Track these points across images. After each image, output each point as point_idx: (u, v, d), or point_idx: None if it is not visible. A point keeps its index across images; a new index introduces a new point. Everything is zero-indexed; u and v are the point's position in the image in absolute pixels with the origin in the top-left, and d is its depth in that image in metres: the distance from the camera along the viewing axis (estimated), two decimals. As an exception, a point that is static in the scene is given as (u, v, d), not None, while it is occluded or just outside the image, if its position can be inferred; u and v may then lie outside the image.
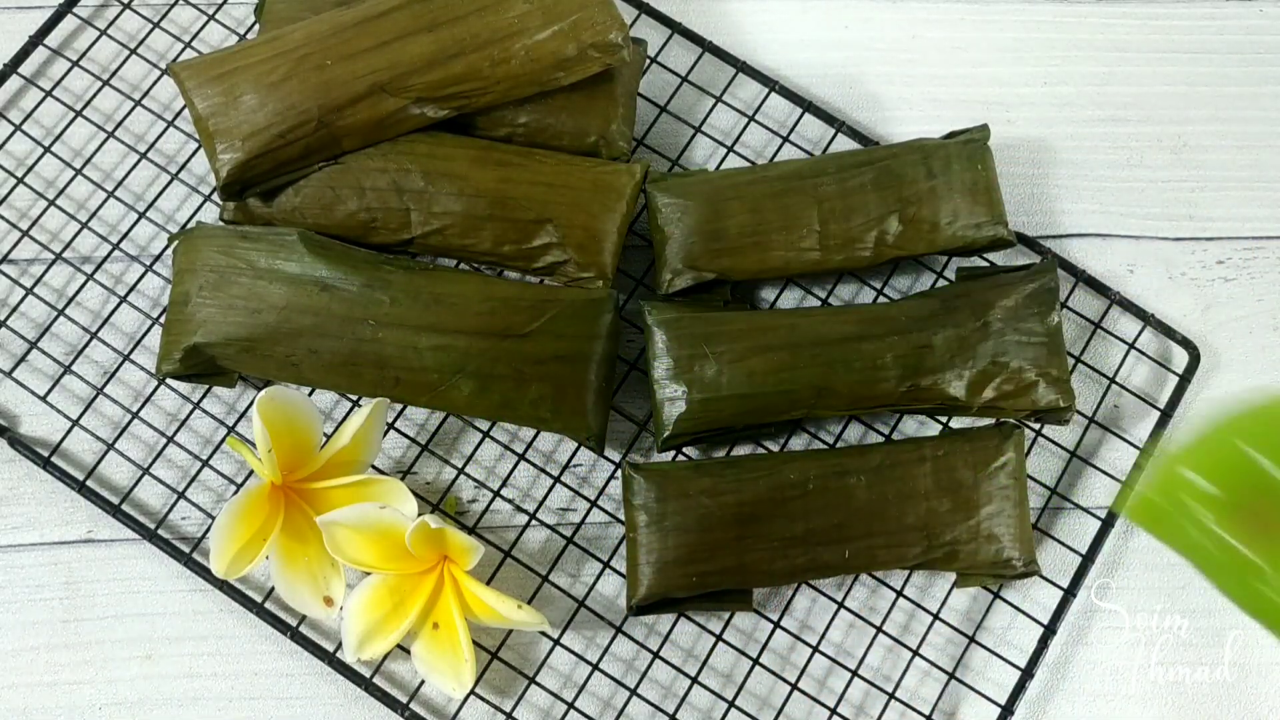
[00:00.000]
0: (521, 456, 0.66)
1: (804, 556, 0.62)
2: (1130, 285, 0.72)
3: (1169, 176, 0.75)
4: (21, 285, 0.68)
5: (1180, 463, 0.48)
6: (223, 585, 0.63)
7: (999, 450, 0.63)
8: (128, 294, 0.68)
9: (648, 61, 0.73)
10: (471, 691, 0.61)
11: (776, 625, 0.64)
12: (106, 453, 0.65)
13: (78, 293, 0.68)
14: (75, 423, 0.66)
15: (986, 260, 0.69)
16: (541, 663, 0.63)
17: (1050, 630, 0.64)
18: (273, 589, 0.62)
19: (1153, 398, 0.69)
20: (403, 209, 0.65)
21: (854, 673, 0.63)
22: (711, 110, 0.73)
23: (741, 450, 0.67)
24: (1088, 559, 0.65)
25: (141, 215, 0.70)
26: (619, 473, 0.66)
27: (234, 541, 0.59)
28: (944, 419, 0.67)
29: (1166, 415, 0.68)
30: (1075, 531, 0.67)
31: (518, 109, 0.67)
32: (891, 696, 0.63)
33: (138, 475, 0.65)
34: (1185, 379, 0.69)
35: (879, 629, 0.64)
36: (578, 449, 0.67)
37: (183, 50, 0.73)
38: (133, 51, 0.73)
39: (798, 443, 0.67)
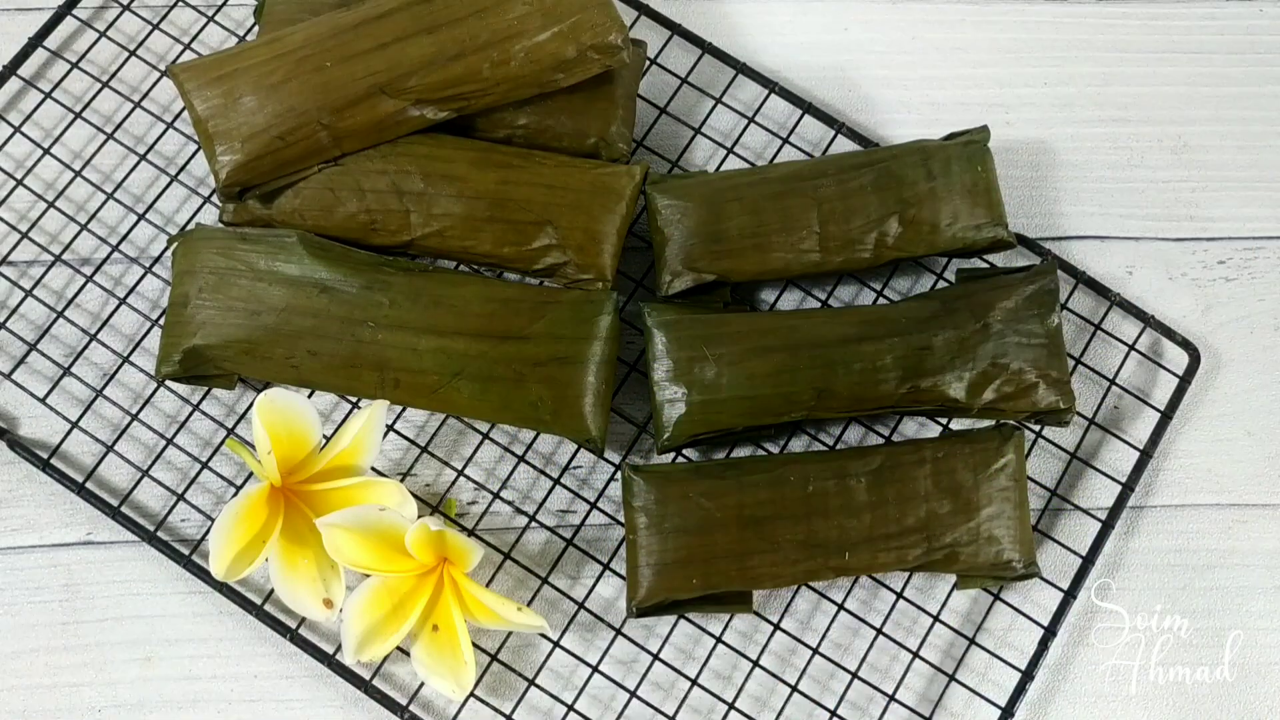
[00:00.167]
0: (521, 458, 0.66)
1: (804, 558, 0.61)
2: (1130, 286, 0.72)
3: (1169, 177, 0.75)
4: (21, 287, 0.68)
5: None
6: (222, 587, 0.63)
7: (999, 452, 0.63)
8: (127, 296, 0.68)
9: (647, 63, 0.73)
10: (471, 694, 0.61)
11: (776, 627, 0.64)
12: (106, 455, 0.65)
13: (77, 295, 0.68)
14: (75, 425, 0.66)
15: (986, 262, 0.69)
16: (541, 665, 0.63)
17: (1050, 632, 0.64)
18: (272, 591, 0.62)
19: (1153, 399, 0.69)
20: (402, 211, 0.65)
21: (854, 674, 0.63)
22: (711, 112, 0.73)
23: (741, 452, 0.67)
24: (1088, 560, 0.65)
25: (141, 217, 0.70)
26: (619, 474, 0.66)
27: (233, 544, 0.59)
28: (944, 421, 0.67)
29: (1167, 416, 0.68)
30: (1075, 533, 0.67)
31: (517, 111, 0.67)
32: (891, 698, 0.63)
33: (137, 477, 0.65)
34: (1185, 380, 0.69)
35: (879, 631, 0.64)
36: (577, 451, 0.67)
37: (182, 52, 0.73)
38: (132, 53, 0.73)
39: (798, 444, 0.67)
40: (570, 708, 0.62)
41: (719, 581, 0.61)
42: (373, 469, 0.64)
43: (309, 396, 0.67)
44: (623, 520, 0.65)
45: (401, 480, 0.66)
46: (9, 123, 0.71)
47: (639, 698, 0.63)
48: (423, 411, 0.67)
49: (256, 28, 0.71)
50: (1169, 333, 0.69)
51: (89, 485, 0.65)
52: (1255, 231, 0.74)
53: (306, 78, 0.64)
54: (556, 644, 0.63)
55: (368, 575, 0.60)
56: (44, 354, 0.67)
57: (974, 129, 0.68)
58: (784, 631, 0.64)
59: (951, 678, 0.64)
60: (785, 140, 0.73)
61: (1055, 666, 0.65)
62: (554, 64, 0.65)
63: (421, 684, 0.62)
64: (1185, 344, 0.69)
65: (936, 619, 0.64)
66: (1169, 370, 0.69)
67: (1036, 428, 0.67)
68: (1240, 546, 0.68)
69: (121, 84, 0.73)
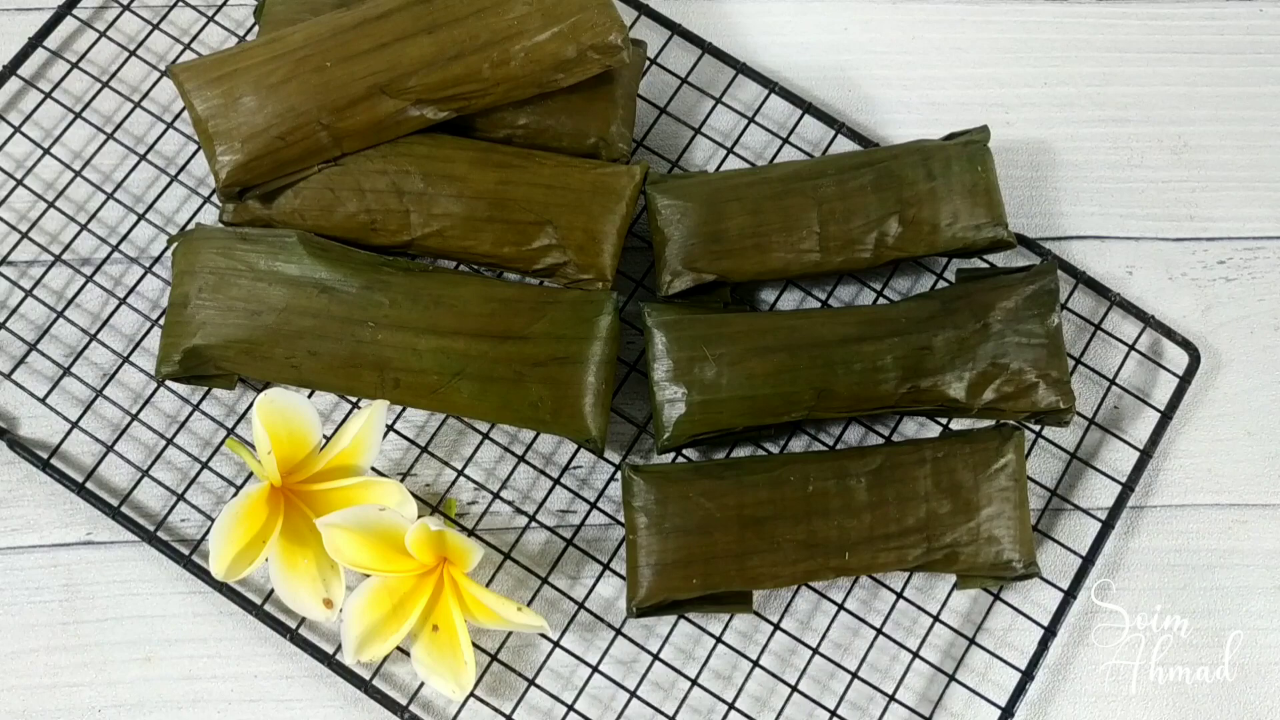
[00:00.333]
0: (521, 458, 0.66)
1: (804, 558, 0.61)
2: (1130, 286, 0.72)
3: (1169, 177, 0.75)
4: (21, 287, 0.68)
5: None
6: (222, 587, 0.63)
7: (999, 452, 0.63)
8: (127, 296, 0.68)
9: (647, 63, 0.73)
10: (471, 694, 0.61)
11: (776, 627, 0.64)
12: (106, 455, 0.65)
13: (77, 295, 0.68)
14: (75, 425, 0.66)
15: (986, 262, 0.69)
16: (541, 665, 0.63)
17: (1050, 632, 0.64)
18: (272, 591, 0.62)
19: (1153, 399, 0.69)
20: (402, 211, 0.65)
21: (854, 674, 0.63)
22: (711, 112, 0.73)
23: (741, 452, 0.67)
24: (1088, 560, 0.65)
25: (141, 217, 0.70)
26: (619, 474, 0.66)
27: (233, 544, 0.59)
28: (944, 421, 0.67)
29: (1167, 417, 0.68)
30: (1075, 533, 0.67)
31: (517, 111, 0.67)
32: (891, 698, 0.63)
33: (137, 477, 0.65)
34: (1185, 380, 0.69)
35: (879, 631, 0.64)
36: (577, 451, 0.67)
37: (182, 52, 0.73)
38: (132, 53, 0.73)
39: (798, 444, 0.67)
40: (570, 708, 0.62)
41: (719, 581, 0.61)
42: (373, 469, 0.64)
43: (309, 396, 0.67)
44: (623, 520, 0.65)
45: (401, 480, 0.66)
46: (9, 123, 0.71)
47: (639, 698, 0.63)
48: (423, 411, 0.67)
49: (256, 28, 0.71)
50: (1169, 333, 0.69)
51: (89, 485, 0.65)
52: (1255, 231, 0.74)
53: (306, 78, 0.64)
54: (556, 644, 0.63)
55: (368, 575, 0.60)
56: (44, 354, 0.67)
57: (974, 129, 0.68)
58: (784, 631, 0.64)
59: (951, 678, 0.64)
60: (785, 140, 0.73)
61: (1055, 666, 0.65)
62: (554, 64, 0.65)
63: (421, 684, 0.62)
64: (1185, 344, 0.69)
65: (936, 619, 0.64)
66: (1169, 370, 0.69)
67: (1036, 428, 0.67)
68: (1240, 546, 0.68)
69: (121, 84, 0.73)
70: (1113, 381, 0.69)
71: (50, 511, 0.66)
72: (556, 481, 0.66)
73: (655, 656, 0.63)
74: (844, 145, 0.73)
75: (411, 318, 0.63)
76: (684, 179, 0.68)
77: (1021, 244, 0.70)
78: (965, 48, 0.77)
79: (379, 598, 0.60)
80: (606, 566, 0.65)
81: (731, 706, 0.63)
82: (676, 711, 0.63)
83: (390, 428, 0.66)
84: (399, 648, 0.61)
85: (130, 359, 0.67)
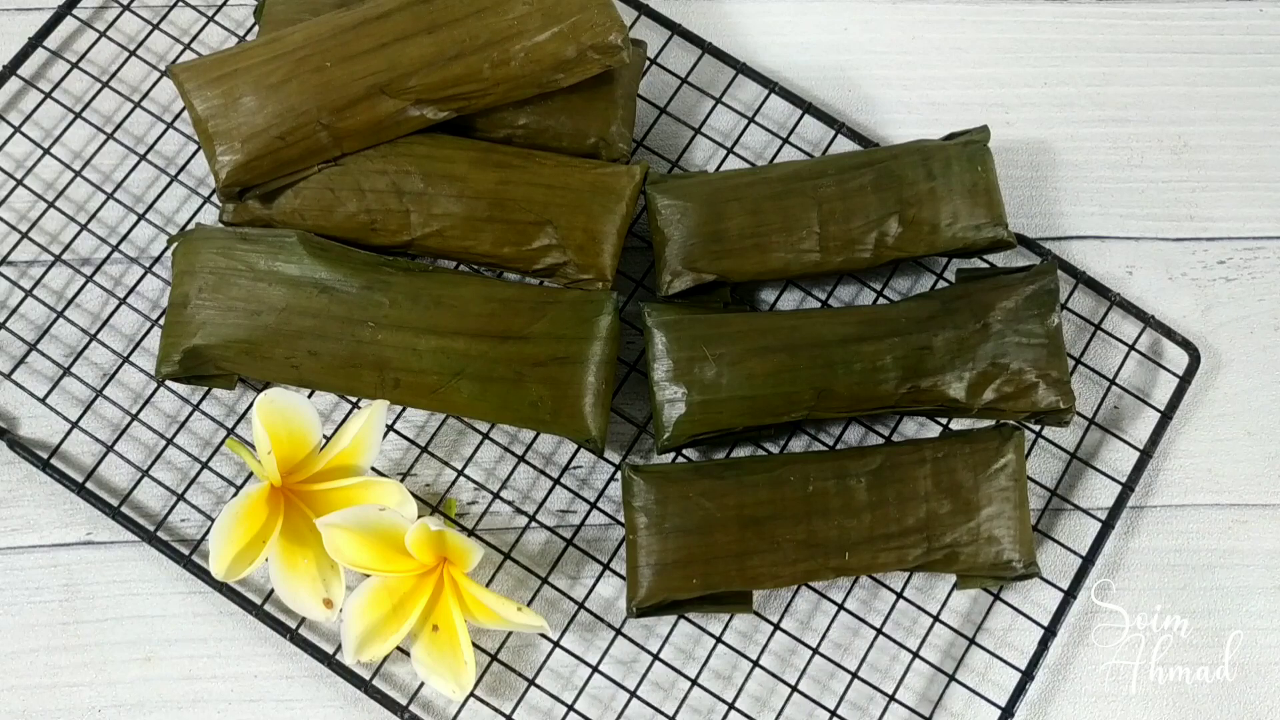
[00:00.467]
0: (521, 458, 0.66)
1: (804, 558, 0.61)
2: (1130, 286, 0.72)
3: (1169, 177, 0.75)
4: (21, 287, 0.68)
5: None
6: (222, 587, 0.63)
7: (999, 452, 0.63)
8: (127, 296, 0.68)
9: (647, 63, 0.73)
10: (471, 694, 0.61)
11: (776, 627, 0.64)
12: (106, 455, 0.65)
13: (77, 295, 0.68)
14: (75, 425, 0.66)
15: (986, 262, 0.69)
16: (541, 665, 0.63)
17: (1050, 632, 0.64)
18: (272, 591, 0.62)
19: (1153, 399, 0.69)
20: (402, 210, 0.65)
21: (854, 674, 0.63)
22: (711, 112, 0.73)
23: (741, 452, 0.67)
24: (1088, 560, 0.65)
25: (141, 217, 0.70)
26: (619, 474, 0.66)
27: (233, 544, 0.59)
28: (944, 421, 0.67)
29: (1167, 416, 0.68)
30: (1075, 533, 0.67)
31: (517, 111, 0.67)
32: (891, 698, 0.63)
33: (137, 477, 0.65)
34: (1185, 380, 0.69)
35: (879, 631, 0.64)
36: (577, 451, 0.67)
37: (182, 52, 0.73)
38: (132, 53, 0.73)
39: (798, 444, 0.67)
40: (570, 708, 0.62)
41: (719, 581, 0.61)
42: (373, 469, 0.64)
43: (309, 396, 0.67)
44: (623, 520, 0.65)
45: (401, 480, 0.66)
46: (9, 123, 0.71)
47: (639, 698, 0.63)
48: (423, 411, 0.67)
49: (256, 28, 0.71)
50: (1169, 333, 0.69)
51: (89, 485, 0.65)
52: (1255, 231, 0.74)
53: (306, 78, 0.64)
54: (556, 644, 0.63)
55: (368, 575, 0.60)
56: (44, 354, 0.67)
57: (974, 129, 0.68)
58: (784, 631, 0.64)
59: (951, 678, 0.64)
60: (785, 140, 0.73)
61: (1055, 666, 0.65)
62: (554, 64, 0.65)
63: (421, 684, 0.62)
64: (1185, 344, 0.69)
65: (936, 619, 0.64)
66: (1169, 370, 0.69)
67: (1036, 428, 0.67)
68: (1240, 546, 0.68)
69: (121, 84, 0.73)
70: (1113, 381, 0.69)
71: (50, 511, 0.66)
72: (556, 481, 0.66)
73: (655, 656, 0.63)
74: (844, 145, 0.73)
75: (411, 318, 0.63)
76: (684, 179, 0.68)
77: (1021, 244, 0.70)
78: (965, 48, 0.77)
79: (379, 598, 0.60)
80: (606, 566, 0.65)
81: (731, 706, 0.63)
82: (676, 711, 0.63)
83: (390, 428, 0.66)
84: (399, 648, 0.61)
85: (130, 359, 0.67)
